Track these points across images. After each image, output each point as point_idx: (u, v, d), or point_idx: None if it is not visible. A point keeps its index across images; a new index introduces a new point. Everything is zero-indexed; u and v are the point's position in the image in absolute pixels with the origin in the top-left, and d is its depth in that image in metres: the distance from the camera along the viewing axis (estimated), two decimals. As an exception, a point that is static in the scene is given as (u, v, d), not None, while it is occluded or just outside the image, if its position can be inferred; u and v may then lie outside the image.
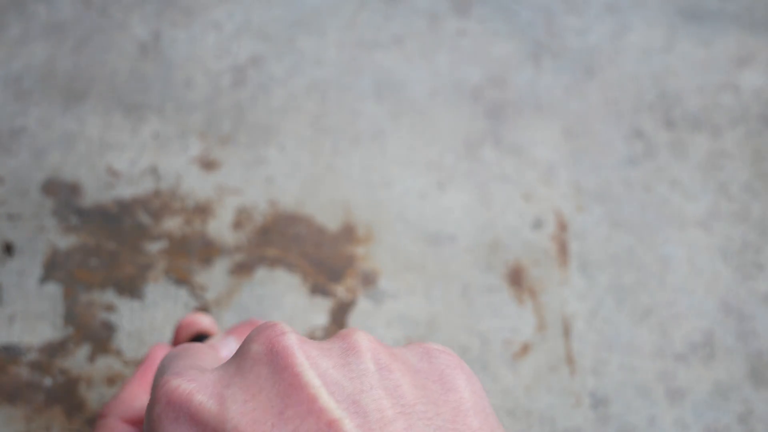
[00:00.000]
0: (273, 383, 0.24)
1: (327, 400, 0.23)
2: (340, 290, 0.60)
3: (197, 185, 0.64)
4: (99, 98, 0.69)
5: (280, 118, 0.68)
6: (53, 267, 0.60)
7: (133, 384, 0.38)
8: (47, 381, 0.56)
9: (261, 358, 0.25)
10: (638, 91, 0.71)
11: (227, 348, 0.38)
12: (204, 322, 0.44)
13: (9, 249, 0.61)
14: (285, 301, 0.59)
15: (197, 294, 0.59)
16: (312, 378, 0.24)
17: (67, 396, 0.55)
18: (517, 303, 0.60)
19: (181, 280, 0.60)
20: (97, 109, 0.68)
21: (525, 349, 0.58)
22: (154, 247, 0.61)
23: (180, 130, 0.67)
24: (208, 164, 0.66)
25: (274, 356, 0.24)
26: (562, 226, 0.63)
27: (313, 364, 0.24)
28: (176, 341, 0.45)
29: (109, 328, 0.58)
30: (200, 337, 0.45)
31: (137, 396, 0.37)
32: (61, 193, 0.64)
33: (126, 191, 0.64)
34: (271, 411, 0.23)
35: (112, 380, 0.56)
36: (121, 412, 0.36)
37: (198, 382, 0.25)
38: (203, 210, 0.63)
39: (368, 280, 0.60)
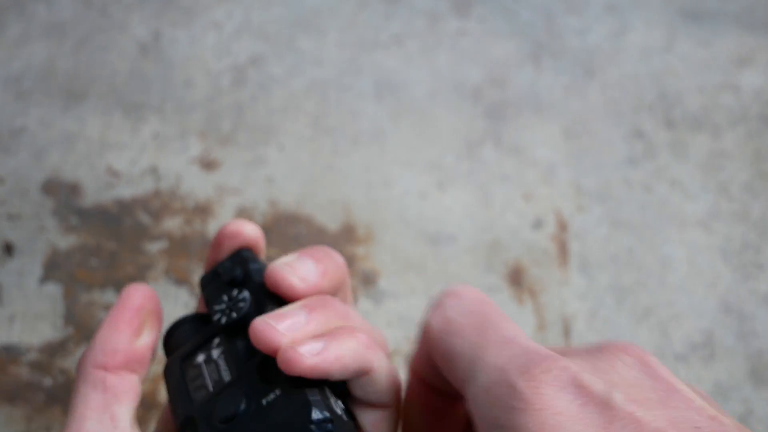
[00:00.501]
0: (650, 385, 0.29)
1: (701, 403, 0.29)
2: (340, 290, 0.60)
3: (197, 185, 0.64)
4: (99, 98, 0.69)
5: (280, 118, 0.68)
6: (53, 267, 0.60)
7: (103, 328, 0.36)
8: (47, 381, 0.56)
9: (632, 365, 0.30)
10: (638, 91, 0.71)
11: (304, 268, 0.37)
12: (250, 232, 0.40)
13: (9, 249, 0.61)
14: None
15: (197, 294, 0.59)
16: (684, 386, 0.30)
17: (67, 396, 0.55)
18: (517, 303, 0.60)
19: (181, 280, 0.60)
20: (97, 109, 0.68)
21: (525, 349, 0.58)
22: (154, 247, 0.61)
23: (180, 130, 0.67)
24: (208, 164, 0.66)
25: (645, 365, 0.30)
26: (562, 226, 0.63)
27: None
28: (215, 254, 0.41)
29: (109, 328, 0.58)
30: (244, 252, 0.40)
31: (109, 339, 0.36)
32: (61, 193, 0.64)
33: (126, 191, 0.64)
34: (650, 401, 0.28)
35: (112, 380, 0.56)
36: (92, 358, 0.35)
37: (578, 366, 0.29)
38: (203, 210, 0.63)
39: (368, 280, 0.60)
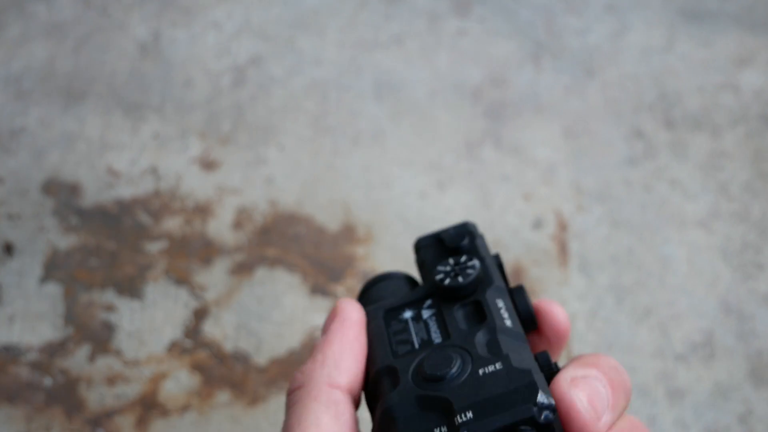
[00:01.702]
0: None
1: None
2: (340, 290, 0.60)
3: (197, 185, 0.64)
4: (99, 98, 0.69)
5: (280, 118, 0.68)
6: (53, 267, 0.60)
7: (333, 344, 0.32)
8: (47, 381, 0.56)
9: None
10: (638, 91, 0.71)
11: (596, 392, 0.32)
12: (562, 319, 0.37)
13: (9, 249, 0.61)
14: (285, 301, 0.59)
15: (197, 294, 0.59)
16: None
17: (67, 396, 0.55)
18: (517, 303, 0.60)
19: (181, 280, 0.60)
20: (97, 109, 0.68)
21: (525, 349, 0.58)
22: (154, 247, 0.61)
23: (180, 130, 0.67)
24: (208, 164, 0.66)
25: None
26: (562, 226, 0.63)
27: None
28: None
29: (109, 328, 0.58)
30: (469, 225, 0.39)
31: (342, 357, 0.32)
32: (61, 193, 0.64)
33: (126, 191, 0.64)
34: None
35: (112, 380, 0.56)
36: (325, 376, 0.31)
37: None
38: (203, 210, 0.63)
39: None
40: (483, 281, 0.34)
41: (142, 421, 0.54)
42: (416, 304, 0.35)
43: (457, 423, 0.28)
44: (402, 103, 0.69)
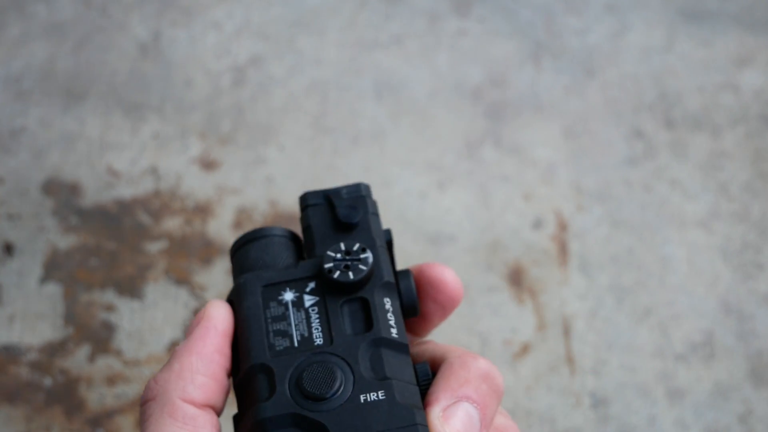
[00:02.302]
0: None
1: None
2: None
3: (197, 185, 0.64)
4: (99, 98, 0.69)
5: (280, 118, 0.68)
6: (53, 267, 0.60)
7: (192, 354, 0.30)
8: (47, 381, 0.56)
9: None
10: (638, 91, 0.71)
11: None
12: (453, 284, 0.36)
13: (9, 249, 0.61)
14: (285, 301, 0.59)
15: (197, 294, 0.59)
16: None
17: (67, 396, 0.55)
18: (517, 303, 0.60)
19: (181, 280, 0.60)
20: (97, 109, 0.68)
21: (525, 349, 0.58)
22: (154, 247, 0.61)
23: (180, 130, 0.67)
24: (208, 164, 0.66)
25: None
26: (562, 226, 0.63)
27: None
28: None
29: (109, 328, 0.58)
30: (363, 188, 0.36)
31: (197, 369, 0.30)
32: (61, 193, 0.64)
33: (126, 191, 0.64)
34: None
35: (112, 380, 0.56)
36: (179, 389, 0.29)
37: None
38: (203, 210, 0.63)
39: (368, 280, 0.60)
40: (373, 275, 0.32)
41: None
42: (299, 284, 0.32)
43: None
44: (402, 103, 0.69)
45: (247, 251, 0.34)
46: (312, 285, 0.32)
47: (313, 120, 0.68)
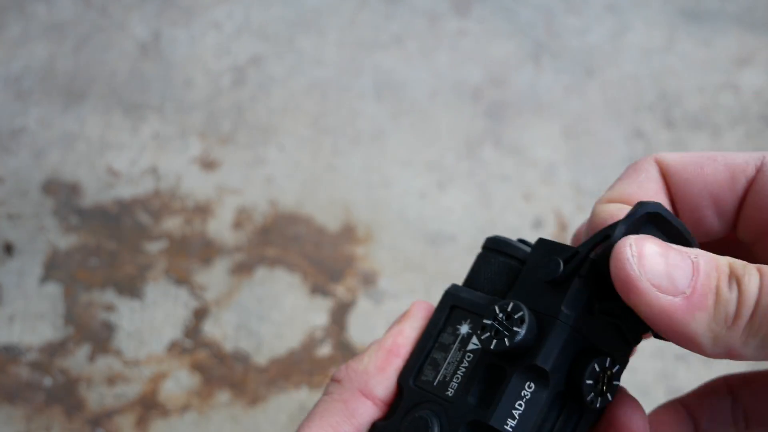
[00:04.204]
0: None
1: None
2: (340, 290, 0.60)
3: (197, 185, 0.64)
4: (99, 98, 0.69)
5: (280, 118, 0.68)
6: (53, 267, 0.60)
7: (383, 357, 0.31)
8: (47, 381, 0.56)
9: None
10: (638, 91, 0.71)
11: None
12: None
13: (9, 249, 0.61)
14: (285, 301, 0.59)
15: (197, 294, 0.59)
16: None
17: (67, 396, 0.55)
18: (517, 303, 0.60)
19: (181, 280, 0.60)
20: (97, 109, 0.68)
21: (525, 349, 0.58)
22: (154, 247, 0.61)
23: (180, 130, 0.67)
24: (208, 164, 0.66)
25: None
26: (562, 226, 0.63)
27: None
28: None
29: (109, 328, 0.58)
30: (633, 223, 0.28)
31: (385, 371, 0.31)
32: (61, 193, 0.64)
33: (126, 191, 0.64)
34: None
35: (112, 380, 0.56)
36: (363, 382, 0.31)
37: None
38: (203, 210, 0.63)
39: (368, 280, 0.60)
40: (529, 346, 0.29)
41: (142, 421, 0.54)
42: (478, 321, 0.31)
43: None
44: (402, 103, 0.69)
45: (484, 258, 0.35)
46: (487, 323, 0.31)
47: (313, 120, 0.68)
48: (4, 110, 0.68)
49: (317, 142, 0.67)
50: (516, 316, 0.29)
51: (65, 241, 0.61)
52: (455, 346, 0.31)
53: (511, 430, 0.28)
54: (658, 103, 0.70)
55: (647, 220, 0.28)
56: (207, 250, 0.61)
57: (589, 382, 0.29)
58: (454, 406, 0.29)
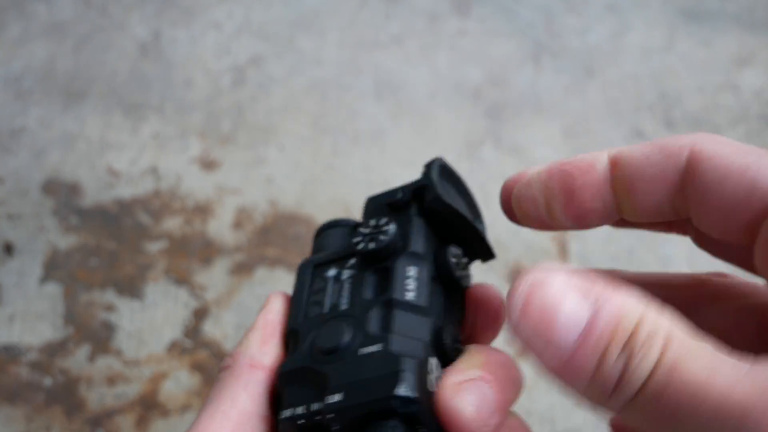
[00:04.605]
0: None
1: None
2: (340, 290, 0.60)
3: (197, 185, 0.64)
4: (99, 98, 0.69)
5: (280, 118, 0.68)
6: (53, 267, 0.60)
7: (260, 333, 0.34)
8: (47, 381, 0.56)
9: None
10: (638, 91, 0.71)
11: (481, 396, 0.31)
12: None
13: (9, 249, 0.61)
14: (285, 301, 0.59)
15: (197, 294, 0.59)
16: None
17: (67, 396, 0.55)
18: (517, 303, 0.60)
19: (181, 280, 0.60)
20: (97, 109, 0.68)
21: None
22: (154, 247, 0.61)
23: (180, 130, 0.67)
24: (208, 164, 0.66)
25: None
26: (562, 226, 0.63)
27: None
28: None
29: (109, 328, 0.58)
30: (436, 167, 0.40)
31: (267, 343, 0.34)
32: (61, 193, 0.64)
33: (126, 191, 0.64)
34: None
35: (112, 380, 0.56)
36: (248, 357, 0.33)
37: None
38: (203, 210, 0.63)
39: (368, 280, 0.60)
40: (399, 246, 0.34)
41: (142, 421, 0.54)
42: (342, 262, 0.35)
43: (325, 402, 0.30)
44: (402, 103, 0.69)
45: (320, 238, 0.38)
46: (353, 261, 0.35)
47: (313, 120, 0.68)
48: (4, 110, 0.68)
49: (317, 142, 0.67)
50: (381, 223, 0.35)
51: (65, 241, 0.61)
52: (329, 284, 0.35)
53: (413, 298, 0.32)
54: (658, 103, 0.70)
55: (442, 172, 0.36)
56: (207, 250, 0.61)
57: (453, 260, 0.35)
58: (353, 310, 0.32)
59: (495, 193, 0.66)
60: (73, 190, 0.64)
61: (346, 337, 0.31)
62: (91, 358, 0.57)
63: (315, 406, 0.30)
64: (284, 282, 0.60)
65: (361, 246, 0.34)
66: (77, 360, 0.56)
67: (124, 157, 0.66)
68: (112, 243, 0.61)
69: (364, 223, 0.35)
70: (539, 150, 0.67)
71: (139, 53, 0.72)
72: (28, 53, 0.71)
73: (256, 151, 0.66)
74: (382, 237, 0.34)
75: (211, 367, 0.56)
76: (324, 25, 0.74)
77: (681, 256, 0.62)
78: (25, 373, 0.56)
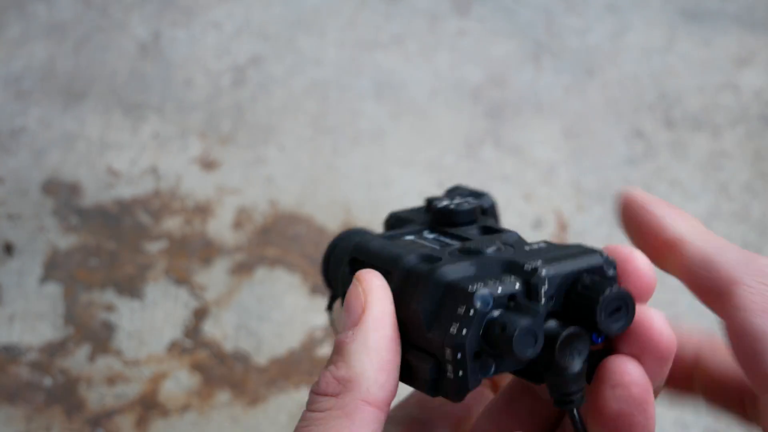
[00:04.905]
0: None
1: None
2: (340, 290, 0.60)
3: (197, 185, 0.64)
4: (99, 98, 0.69)
5: (280, 118, 0.68)
6: (53, 267, 0.60)
7: (371, 352, 0.28)
8: (47, 381, 0.56)
9: None
10: (638, 91, 0.71)
11: None
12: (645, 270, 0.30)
13: (9, 249, 0.61)
14: (285, 301, 0.59)
15: (197, 294, 0.59)
16: None
17: (67, 396, 0.55)
18: (517, 303, 0.60)
19: (181, 280, 0.60)
20: (97, 109, 0.68)
21: (525, 349, 0.58)
22: (154, 247, 0.61)
23: (180, 130, 0.67)
24: (208, 164, 0.66)
25: None
26: (562, 226, 0.63)
27: None
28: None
29: (109, 328, 0.58)
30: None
31: (384, 369, 0.28)
32: (61, 193, 0.64)
33: (126, 191, 0.64)
34: None
35: (112, 380, 0.56)
36: (363, 391, 0.27)
37: None
38: (203, 210, 0.63)
39: (368, 280, 0.60)
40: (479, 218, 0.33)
41: (142, 421, 0.54)
42: (418, 231, 0.33)
43: (527, 269, 0.27)
44: (402, 103, 0.69)
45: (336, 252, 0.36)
46: (427, 231, 0.32)
47: (313, 120, 0.68)
48: (4, 110, 0.68)
49: (317, 142, 0.67)
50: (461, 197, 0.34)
51: (65, 241, 0.61)
52: (418, 239, 0.32)
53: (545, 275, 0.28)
54: (658, 103, 0.70)
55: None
56: (207, 250, 0.61)
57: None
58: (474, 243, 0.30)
59: (495, 193, 0.66)
60: (73, 190, 0.64)
61: (497, 243, 0.29)
62: (91, 358, 0.57)
63: (512, 278, 0.27)
64: (284, 282, 0.60)
65: (443, 204, 0.32)
66: (77, 360, 0.56)
67: (124, 157, 0.66)
68: (112, 243, 0.61)
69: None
70: (539, 150, 0.67)
71: (139, 53, 0.72)
72: (28, 53, 0.71)
73: (256, 151, 0.66)
74: (465, 204, 0.33)
75: (211, 367, 0.56)
76: (324, 25, 0.74)
77: (681, 256, 0.62)
78: (25, 373, 0.56)
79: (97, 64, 0.71)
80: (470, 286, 0.27)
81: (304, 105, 0.69)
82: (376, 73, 0.71)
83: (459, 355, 0.27)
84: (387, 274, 0.30)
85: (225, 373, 0.56)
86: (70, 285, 0.59)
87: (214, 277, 0.60)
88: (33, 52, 0.71)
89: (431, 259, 0.29)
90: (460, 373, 0.27)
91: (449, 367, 0.27)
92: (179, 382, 0.56)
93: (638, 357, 0.29)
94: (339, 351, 0.28)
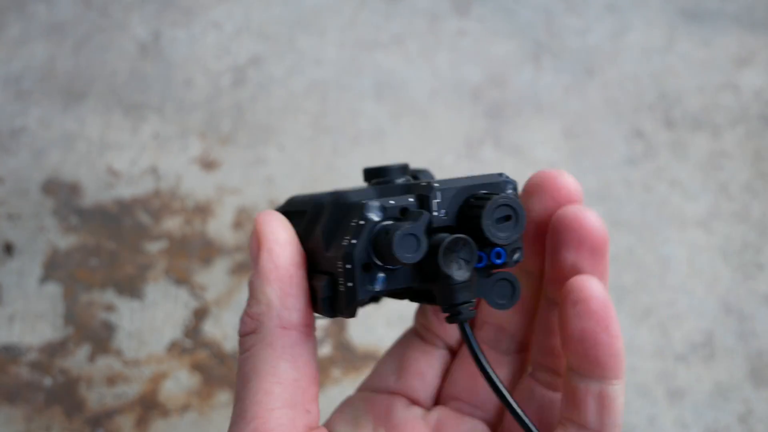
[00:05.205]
0: None
1: None
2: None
3: (197, 185, 0.64)
4: (99, 98, 0.69)
5: (280, 118, 0.68)
6: (53, 267, 0.60)
7: (272, 282, 0.29)
8: (47, 381, 0.56)
9: None
10: (638, 91, 0.71)
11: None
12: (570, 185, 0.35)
13: (9, 249, 0.61)
14: (285, 301, 0.59)
15: (197, 294, 0.59)
16: None
17: (67, 396, 0.55)
18: (517, 303, 0.60)
19: (181, 280, 0.60)
20: (97, 109, 0.68)
21: (525, 349, 0.58)
22: (154, 247, 0.61)
23: (180, 130, 0.67)
24: (208, 164, 0.66)
25: None
26: (562, 226, 0.63)
27: None
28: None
29: (109, 328, 0.58)
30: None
31: (290, 294, 0.29)
32: (61, 193, 0.64)
33: (126, 191, 0.64)
34: None
35: (112, 380, 0.56)
36: (275, 318, 0.29)
37: None
38: (203, 210, 0.63)
39: (368, 280, 0.60)
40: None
41: (142, 421, 0.54)
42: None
43: (422, 184, 0.28)
44: (402, 103, 0.69)
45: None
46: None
47: (313, 120, 0.68)
48: (4, 110, 0.68)
49: (317, 142, 0.67)
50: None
51: (65, 241, 0.61)
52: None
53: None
54: (658, 103, 0.70)
55: None
56: (207, 250, 0.61)
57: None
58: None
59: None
60: (73, 190, 0.64)
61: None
62: (91, 358, 0.57)
63: (411, 199, 0.28)
64: (284, 282, 0.60)
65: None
66: (77, 360, 0.56)
67: (124, 157, 0.66)
68: (112, 243, 0.61)
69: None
70: (539, 150, 0.67)
71: (139, 53, 0.72)
72: (28, 53, 0.71)
73: (256, 151, 0.66)
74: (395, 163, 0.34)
75: (211, 367, 0.56)
76: (324, 25, 0.74)
77: (681, 256, 0.62)
78: (25, 373, 0.56)
79: (97, 64, 0.71)
80: (365, 202, 0.28)
81: (304, 105, 0.69)
82: (376, 73, 0.71)
83: (348, 266, 0.27)
84: (303, 214, 0.31)
85: (225, 373, 0.56)
86: (70, 285, 0.59)
87: (214, 277, 0.60)
88: (33, 52, 0.71)
89: (339, 192, 0.31)
90: (350, 284, 0.27)
91: (341, 281, 0.28)
92: (179, 382, 0.56)
93: (575, 251, 0.31)
94: (249, 292, 0.30)
